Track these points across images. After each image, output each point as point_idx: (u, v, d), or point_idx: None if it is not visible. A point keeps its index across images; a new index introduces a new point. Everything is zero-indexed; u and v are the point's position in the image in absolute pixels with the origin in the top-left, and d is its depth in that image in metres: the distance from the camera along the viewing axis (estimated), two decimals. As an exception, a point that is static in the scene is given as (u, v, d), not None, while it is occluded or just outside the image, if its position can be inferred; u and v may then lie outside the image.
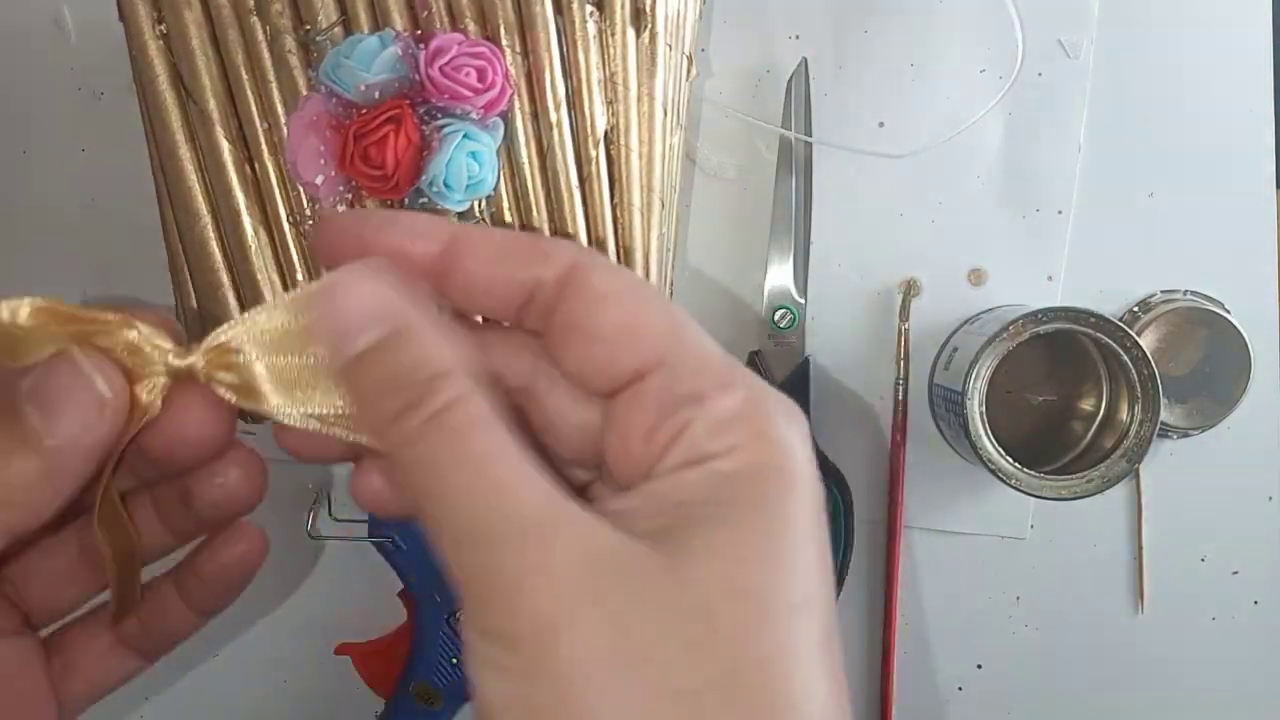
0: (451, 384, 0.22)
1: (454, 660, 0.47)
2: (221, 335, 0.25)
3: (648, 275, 0.45)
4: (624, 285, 0.23)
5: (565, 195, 0.43)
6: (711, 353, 0.23)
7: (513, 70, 0.42)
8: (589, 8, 0.42)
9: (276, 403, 0.25)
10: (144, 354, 0.26)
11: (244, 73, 0.43)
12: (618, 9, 0.42)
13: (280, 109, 0.43)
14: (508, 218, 0.44)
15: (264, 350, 0.25)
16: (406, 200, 0.43)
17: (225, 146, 0.43)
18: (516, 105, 0.43)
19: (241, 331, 0.25)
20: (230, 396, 0.26)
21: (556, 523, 0.20)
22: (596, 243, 0.44)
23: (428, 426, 0.21)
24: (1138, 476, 0.52)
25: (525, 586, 0.20)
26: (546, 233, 0.44)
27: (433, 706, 0.48)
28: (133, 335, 0.26)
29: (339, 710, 0.54)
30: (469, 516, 0.21)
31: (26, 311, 0.25)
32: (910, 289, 0.51)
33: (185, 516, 0.28)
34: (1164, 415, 0.47)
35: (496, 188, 0.43)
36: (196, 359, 0.26)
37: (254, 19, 0.43)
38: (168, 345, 0.26)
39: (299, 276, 0.45)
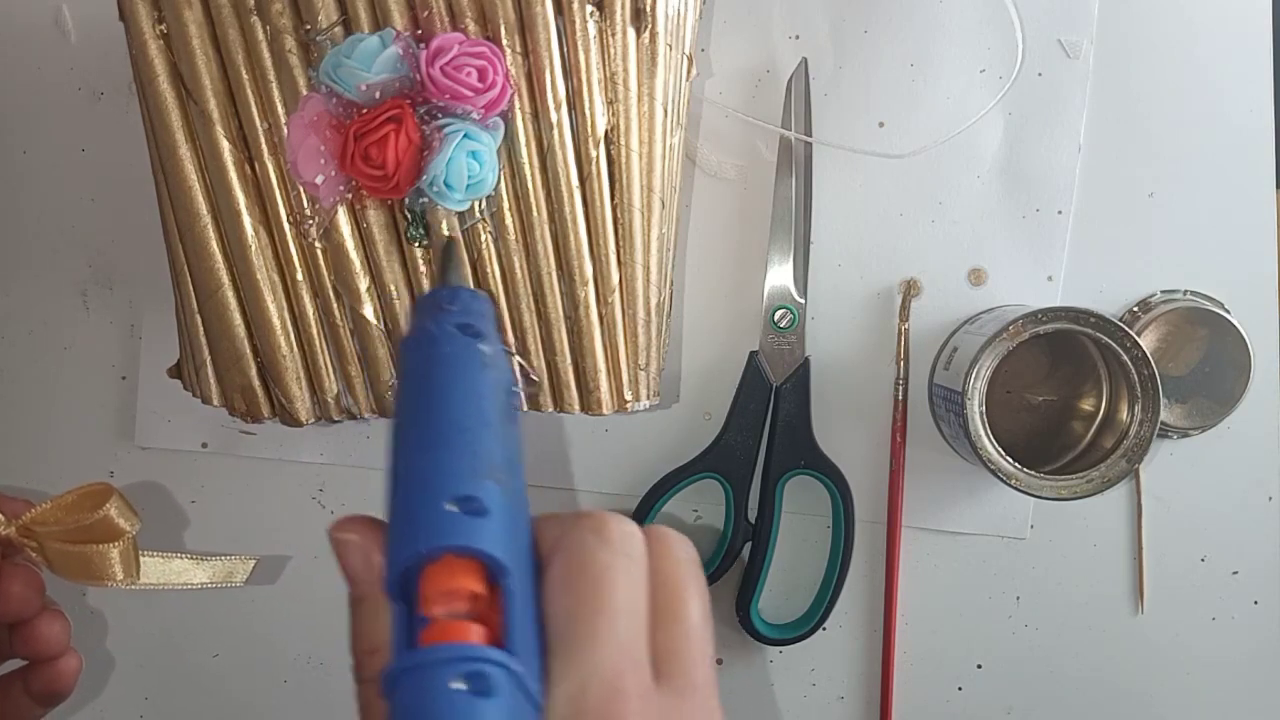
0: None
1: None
2: (32, 514, 0.37)
3: (648, 275, 0.45)
4: None
5: (565, 195, 0.43)
6: None
7: (513, 70, 0.42)
8: (589, 8, 0.42)
9: (63, 571, 0.37)
10: None
11: (244, 73, 0.43)
12: (618, 9, 0.42)
13: (280, 109, 0.43)
14: (508, 218, 0.44)
15: (53, 535, 0.37)
16: (407, 200, 0.43)
17: (225, 146, 0.43)
18: (517, 105, 0.43)
19: (39, 515, 0.37)
20: (37, 560, 0.37)
21: None
22: (596, 243, 0.44)
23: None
24: (1138, 476, 0.52)
25: None
26: (546, 232, 0.44)
27: None
28: None
29: (338, 710, 0.54)
30: None
31: None
32: (910, 289, 0.51)
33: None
34: (1164, 415, 0.47)
35: (496, 188, 0.43)
36: (11, 531, 0.37)
37: (254, 19, 0.43)
38: None
39: (298, 276, 0.45)
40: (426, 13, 0.42)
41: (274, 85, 0.43)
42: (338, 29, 0.43)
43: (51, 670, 0.39)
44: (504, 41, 0.42)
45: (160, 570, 0.41)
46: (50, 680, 0.39)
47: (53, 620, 0.39)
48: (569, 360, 0.45)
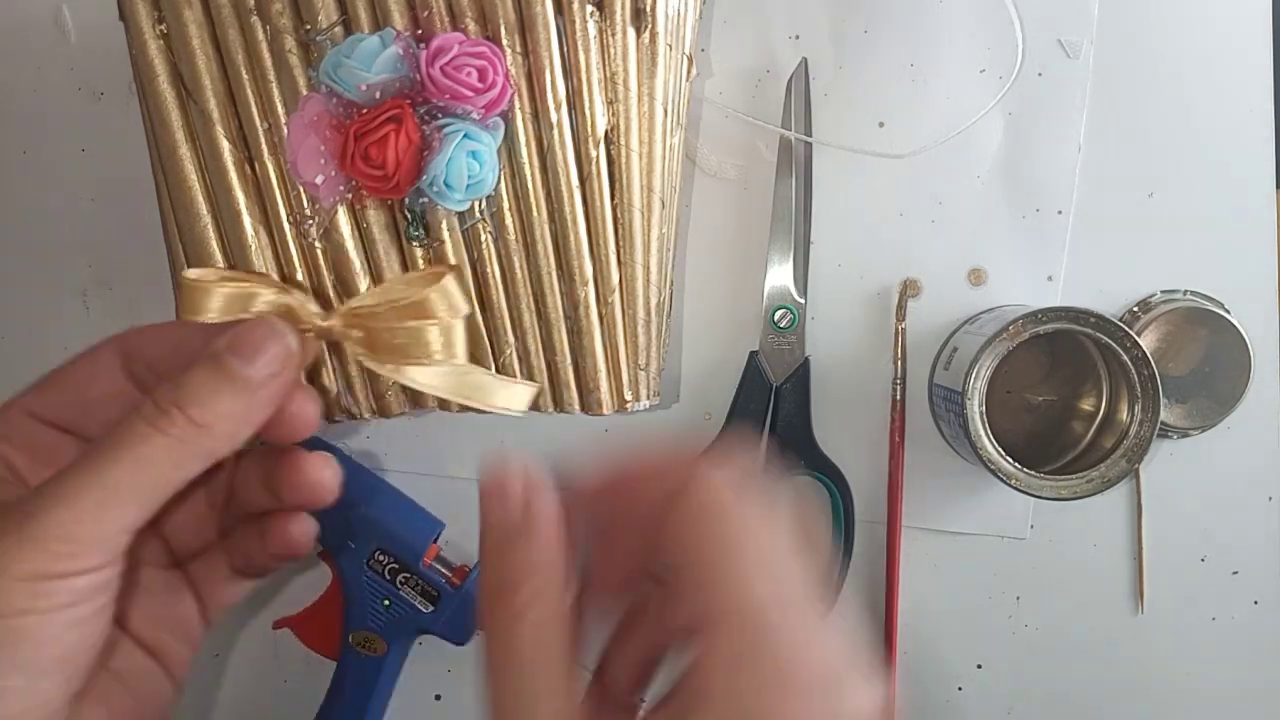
0: (551, 589, 0.28)
1: (385, 602, 0.47)
2: (353, 302, 0.34)
3: (648, 275, 0.45)
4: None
5: (565, 195, 0.43)
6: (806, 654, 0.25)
7: (513, 70, 0.42)
8: (589, 8, 0.42)
9: (387, 365, 0.33)
10: (295, 313, 0.33)
11: (244, 73, 0.43)
12: (618, 9, 0.42)
13: (280, 109, 0.43)
14: (508, 218, 0.44)
15: (378, 317, 0.33)
16: (407, 200, 0.43)
17: (225, 146, 0.43)
18: (517, 105, 0.43)
19: (366, 300, 0.34)
20: (359, 354, 0.34)
21: None
22: (596, 243, 0.44)
23: (518, 616, 0.27)
24: (1138, 476, 0.52)
25: None
26: (546, 232, 0.44)
27: (376, 653, 0.49)
28: (289, 299, 0.34)
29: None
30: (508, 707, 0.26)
31: (207, 274, 0.34)
32: (910, 289, 0.51)
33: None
34: (1164, 415, 0.47)
35: (496, 187, 0.43)
36: (335, 321, 0.34)
37: (254, 19, 0.43)
38: (315, 308, 0.34)
39: (299, 276, 0.45)
40: (426, 13, 0.42)
41: (274, 85, 0.43)
42: (338, 29, 0.43)
43: (285, 525, 0.35)
44: (504, 41, 0.42)
45: (479, 386, 0.36)
46: (285, 536, 0.35)
47: (323, 464, 0.34)
48: (569, 360, 0.45)
